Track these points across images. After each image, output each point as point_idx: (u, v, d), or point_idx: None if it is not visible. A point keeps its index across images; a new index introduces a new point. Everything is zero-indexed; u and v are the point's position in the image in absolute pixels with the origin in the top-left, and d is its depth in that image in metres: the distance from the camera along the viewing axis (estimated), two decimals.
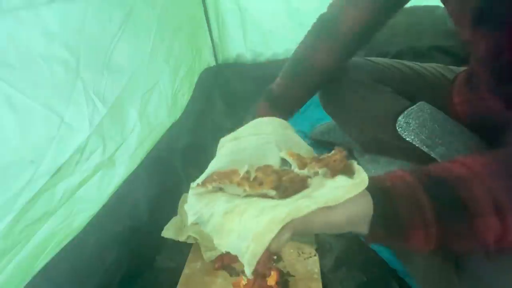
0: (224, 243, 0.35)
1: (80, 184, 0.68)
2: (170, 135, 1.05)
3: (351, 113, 0.87)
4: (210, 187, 0.40)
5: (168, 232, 0.86)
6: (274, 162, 0.45)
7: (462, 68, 0.82)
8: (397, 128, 0.75)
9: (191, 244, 0.86)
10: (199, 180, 0.42)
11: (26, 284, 0.58)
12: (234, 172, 0.40)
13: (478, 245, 0.38)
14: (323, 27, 0.74)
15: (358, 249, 0.80)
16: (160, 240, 0.87)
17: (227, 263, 0.79)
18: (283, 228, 0.32)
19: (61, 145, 0.62)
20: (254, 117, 0.68)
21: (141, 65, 0.88)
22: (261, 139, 0.51)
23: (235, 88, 1.54)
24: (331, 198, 0.35)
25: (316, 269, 0.75)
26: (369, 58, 0.88)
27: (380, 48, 1.34)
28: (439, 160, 0.72)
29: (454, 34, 1.26)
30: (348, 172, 0.39)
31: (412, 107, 0.75)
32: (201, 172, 0.91)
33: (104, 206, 0.75)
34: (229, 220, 0.35)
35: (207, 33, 1.50)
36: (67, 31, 0.63)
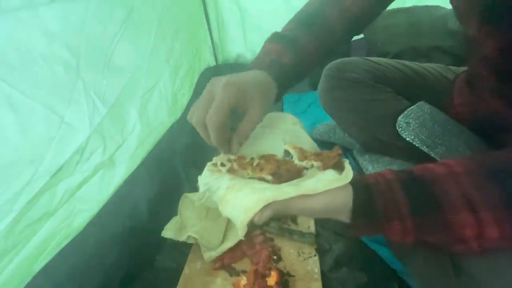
0: (225, 211, 0.43)
1: (81, 184, 0.68)
2: (170, 135, 1.05)
3: (351, 113, 0.87)
4: (219, 166, 0.49)
5: (168, 232, 0.86)
6: (278, 153, 0.53)
7: (462, 69, 0.82)
8: (397, 128, 0.75)
9: (191, 244, 0.86)
10: (215, 160, 0.51)
11: (27, 284, 0.58)
12: (241, 158, 0.51)
13: (457, 239, 0.41)
14: None
15: (358, 249, 0.80)
16: (160, 240, 0.87)
17: (227, 263, 0.79)
18: (265, 206, 0.40)
19: (61, 145, 0.62)
20: (264, 58, 0.63)
21: (142, 65, 0.88)
22: (269, 132, 0.59)
23: None
24: (311, 188, 0.41)
25: (316, 269, 0.75)
26: (369, 58, 0.88)
27: (380, 48, 1.34)
28: (439, 160, 0.72)
29: (454, 34, 1.26)
30: (339, 168, 0.46)
31: (412, 107, 0.75)
32: (201, 172, 0.91)
33: (104, 206, 0.75)
34: (229, 194, 0.43)
35: (207, 33, 1.50)
36: (68, 31, 0.63)
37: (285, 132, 0.59)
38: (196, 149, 1.14)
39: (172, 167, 1.04)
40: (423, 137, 0.73)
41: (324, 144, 1.14)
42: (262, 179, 0.46)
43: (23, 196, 0.55)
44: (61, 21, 0.61)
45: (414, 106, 0.75)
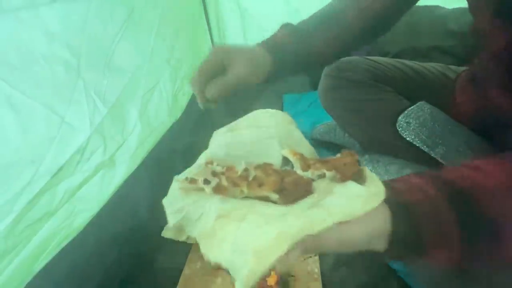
0: (214, 254, 0.29)
1: (81, 184, 0.68)
2: (171, 135, 1.05)
3: (352, 113, 0.86)
4: (201, 183, 0.34)
5: (168, 232, 0.86)
6: (275, 161, 0.40)
7: (463, 68, 0.81)
8: (398, 128, 0.75)
9: (191, 244, 0.86)
10: (187, 173, 0.36)
11: (27, 284, 0.58)
12: (231, 168, 0.35)
13: (506, 263, 0.36)
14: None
15: None
16: (160, 240, 0.86)
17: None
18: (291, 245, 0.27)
19: (61, 145, 0.62)
20: (269, 39, 0.63)
21: (142, 65, 0.88)
22: (261, 132, 0.46)
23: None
24: (347, 212, 0.30)
25: (316, 269, 0.75)
26: (369, 57, 0.88)
27: (380, 48, 1.34)
28: (439, 160, 0.72)
29: (454, 34, 1.26)
30: (359, 178, 0.35)
31: (412, 107, 0.75)
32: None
33: (104, 206, 0.75)
34: (223, 226, 0.29)
35: (207, 33, 1.50)
36: (68, 31, 0.63)
37: (280, 133, 0.46)
38: (196, 149, 1.14)
39: (172, 167, 1.03)
40: (424, 137, 0.73)
41: (324, 144, 1.14)
42: (264, 199, 0.33)
43: (23, 196, 0.55)
44: (62, 21, 0.61)
45: (415, 106, 0.75)
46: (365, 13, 0.67)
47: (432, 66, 0.86)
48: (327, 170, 0.35)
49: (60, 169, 0.62)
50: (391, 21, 0.71)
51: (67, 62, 0.63)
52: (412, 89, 0.82)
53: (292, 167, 0.39)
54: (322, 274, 0.74)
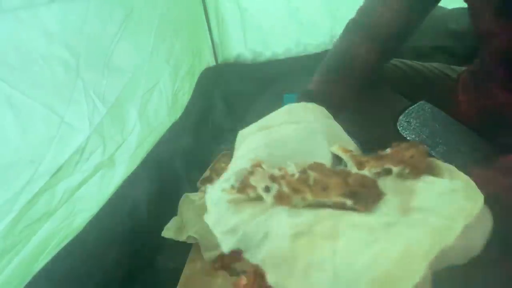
0: (299, 285, 0.22)
1: (80, 184, 0.68)
2: (170, 135, 1.05)
3: (351, 113, 0.86)
4: (261, 191, 0.28)
5: (168, 232, 0.86)
6: (324, 159, 0.34)
7: (464, 68, 0.81)
8: (398, 127, 0.75)
9: (191, 244, 0.86)
10: (232, 181, 0.29)
11: (26, 284, 0.58)
12: (286, 173, 0.29)
13: None
14: (358, 29, 0.69)
15: None
16: (160, 240, 0.87)
17: (227, 263, 0.79)
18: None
19: (61, 145, 0.62)
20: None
21: (142, 65, 0.87)
22: (303, 129, 0.39)
23: (235, 88, 1.54)
24: (466, 212, 0.24)
25: None
26: None
27: None
28: (440, 160, 0.72)
29: (454, 34, 1.26)
30: (430, 171, 0.30)
31: (413, 106, 0.75)
32: (201, 172, 0.90)
33: (104, 206, 0.75)
34: (308, 248, 0.23)
35: (207, 33, 1.50)
36: (67, 31, 0.63)
37: (323, 127, 0.40)
38: (196, 149, 1.14)
39: (172, 167, 1.04)
40: (424, 137, 0.73)
41: None
42: (338, 206, 0.26)
43: (22, 196, 0.55)
44: (61, 21, 0.61)
45: (415, 105, 0.75)
46: (378, 46, 0.67)
47: (433, 66, 0.86)
48: (393, 165, 0.30)
49: (60, 169, 0.62)
50: (408, 35, 0.71)
51: (66, 62, 0.62)
52: (412, 89, 0.82)
53: (344, 165, 0.34)
54: None
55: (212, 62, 1.56)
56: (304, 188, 0.27)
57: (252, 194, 0.28)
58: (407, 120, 0.75)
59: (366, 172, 0.31)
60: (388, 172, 0.30)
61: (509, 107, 0.63)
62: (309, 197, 0.27)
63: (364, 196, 0.26)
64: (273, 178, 0.28)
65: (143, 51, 0.89)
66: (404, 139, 0.74)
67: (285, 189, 0.27)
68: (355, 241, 0.22)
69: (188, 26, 1.25)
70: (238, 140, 0.43)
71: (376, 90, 0.82)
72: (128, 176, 0.83)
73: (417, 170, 0.29)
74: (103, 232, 0.75)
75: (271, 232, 0.25)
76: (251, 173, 0.29)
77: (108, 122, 0.73)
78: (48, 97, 0.59)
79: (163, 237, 0.86)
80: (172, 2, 1.06)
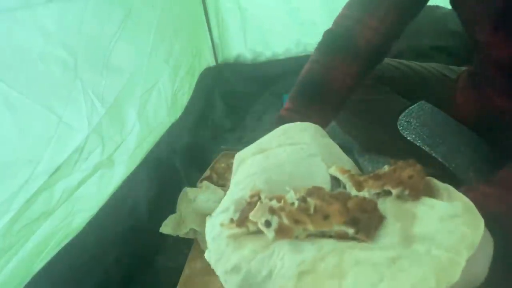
0: None
1: (79, 184, 0.68)
2: (170, 135, 1.05)
3: (351, 113, 0.86)
4: (262, 226, 0.26)
5: (166, 228, 0.86)
6: (323, 182, 0.33)
7: (463, 68, 0.81)
8: (398, 127, 0.75)
9: (191, 244, 0.86)
10: (229, 214, 0.29)
11: (26, 284, 0.58)
12: (286, 202, 0.28)
13: None
14: (337, 44, 0.64)
15: None
16: (160, 240, 0.87)
17: None
18: None
19: (59, 145, 0.62)
20: None
21: (141, 65, 0.87)
22: (300, 151, 0.39)
23: (235, 88, 1.54)
24: (467, 241, 0.24)
25: None
26: None
27: None
28: (440, 160, 0.71)
29: (454, 34, 1.26)
30: (429, 192, 0.30)
31: (413, 106, 0.75)
32: (201, 172, 0.90)
33: (103, 206, 0.75)
34: (313, 286, 0.22)
35: (207, 33, 1.50)
36: (65, 31, 0.63)
37: (320, 147, 0.40)
38: (196, 149, 1.14)
39: (172, 167, 1.03)
40: (424, 137, 0.73)
41: None
42: (342, 236, 0.26)
43: (21, 196, 0.55)
44: (59, 21, 0.61)
45: (415, 105, 0.75)
46: (359, 58, 0.62)
47: (432, 67, 0.86)
48: (392, 187, 0.29)
49: (58, 168, 0.62)
50: (392, 43, 0.68)
51: (65, 62, 0.62)
52: (411, 90, 0.82)
53: (343, 187, 0.34)
54: None
55: (212, 62, 1.56)
56: (305, 219, 0.26)
57: (252, 227, 0.27)
58: (407, 120, 0.75)
59: (365, 193, 0.30)
60: (387, 193, 0.30)
61: (506, 112, 0.63)
62: (311, 227, 0.26)
63: (365, 223, 0.26)
64: (272, 211, 0.27)
65: (142, 51, 0.89)
66: (404, 139, 0.74)
67: (286, 221, 0.26)
68: (361, 281, 0.21)
69: (188, 26, 1.25)
70: (235, 162, 0.42)
71: (376, 90, 0.82)
72: (128, 176, 0.83)
73: (416, 191, 0.29)
74: (103, 232, 0.75)
75: (274, 270, 0.24)
76: (250, 204, 0.29)
77: (107, 122, 0.73)
78: (47, 97, 0.59)
79: (163, 237, 0.86)
80: (171, 2, 1.06)
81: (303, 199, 0.28)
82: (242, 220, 0.27)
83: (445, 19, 1.28)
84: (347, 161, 0.41)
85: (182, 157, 1.08)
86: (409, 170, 0.30)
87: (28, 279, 0.59)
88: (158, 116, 0.99)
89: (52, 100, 0.60)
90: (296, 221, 0.26)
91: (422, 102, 0.76)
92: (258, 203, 0.28)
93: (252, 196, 0.30)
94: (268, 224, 0.26)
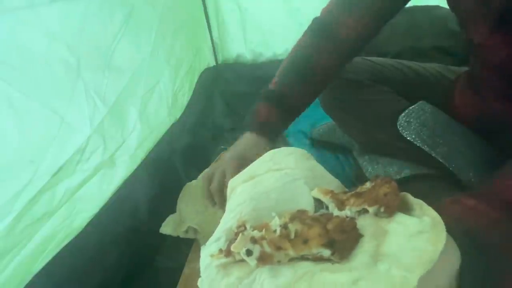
0: None
1: (81, 184, 0.68)
2: (170, 135, 1.05)
3: (351, 113, 0.87)
4: (244, 256, 0.29)
5: (166, 228, 0.86)
6: (306, 204, 0.36)
7: (463, 69, 0.81)
8: (398, 127, 0.75)
9: (191, 244, 0.86)
10: (219, 244, 0.32)
11: (27, 284, 0.58)
12: (268, 229, 0.30)
13: None
14: (321, 30, 0.72)
15: None
16: (160, 240, 0.87)
17: None
18: None
19: (61, 145, 0.62)
20: (254, 120, 0.69)
21: (142, 65, 0.88)
22: (285, 176, 0.42)
23: (235, 88, 1.54)
24: (425, 258, 0.26)
25: None
26: (368, 58, 0.88)
27: (379, 48, 1.34)
28: (440, 160, 0.72)
29: (454, 34, 1.26)
30: (404, 207, 0.32)
31: (413, 106, 0.75)
32: (201, 172, 0.90)
33: (104, 206, 0.75)
34: None
35: (207, 33, 1.50)
36: (68, 31, 0.63)
37: (303, 173, 0.42)
38: (196, 149, 1.14)
39: (172, 167, 1.04)
40: (424, 137, 0.73)
41: (324, 144, 1.14)
42: (318, 259, 0.29)
43: (23, 196, 0.55)
44: (61, 21, 0.61)
45: (415, 105, 0.75)
46: (340, 53, 0.71)
47: (432, 67, 0.86)
48: (369, 205, 0.32)
49: (60, 169, 0.62)
50: (362, 48, 0.74)
51: (67, 62, 0.63)
52: (411, 90, 0.82)
53: (326, 207, 0.36)
54: None
55: (212, 62, 1.56)
56: (285, 245, 0.29)
57: (237, 256, 0.29)
58: (407, 120, 0.75)
59: (347, 211, 0.33)
60: (362, 211, 0.32)
61: (504, 114, 0.63)
62: (291, 252, 0.29)
63: (341, 245, 0.29)
64: (254, 241, 0.29)
65: (143, 51, 0.89)
66: (404, 139, 0.74)
67: (268, 249, 0.29)
68: None
69: (188, 26, 1.25)
70: (228, 189, 0.46)
71: (376, 90, 0.82)
72: (129, 176, 0.83)
73: (391, 208, 0.31)
74: (104, 232, 0.75)
75: None
76: (236, 234, 0.31)
77: (108, 122, 0.73)
78: (49, 97, 0.59)
79: (163, 237, 0.86)
80: (172, 2, 1.06)
81: (284, 226, 0.30)
82: (229, 250, 0.30)
83: (445, 19, 1.28)
84: (331, 181, 0.43)
85: (182, 157, 1.08)
86: (385, 187, 0.32)
87: (28, 279, 0.59)
88: (158, 116, 0.99)
89: (54, 101, 0.60)
90: (278, 248, 0.29)
91: (422, 102, 0.76)
92: (240, 234, 0.30)
93: (238, 227, 0.33)
94: (249, 253, 0.29)
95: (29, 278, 0.59)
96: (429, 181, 0.75)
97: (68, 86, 0.64)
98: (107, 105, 0.72)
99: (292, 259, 0.29)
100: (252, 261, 0.29)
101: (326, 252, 0.28)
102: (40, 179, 0.58)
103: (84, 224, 0.71)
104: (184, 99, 1.20)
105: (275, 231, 0.30)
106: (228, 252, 0.30)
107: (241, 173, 0.45)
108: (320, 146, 1.14)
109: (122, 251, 0.78)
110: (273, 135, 0.71)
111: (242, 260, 0.30)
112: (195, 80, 1.34)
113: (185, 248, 0.86)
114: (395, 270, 0.26)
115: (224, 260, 0.30)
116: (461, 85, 0.77)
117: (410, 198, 0.33)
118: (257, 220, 0.33)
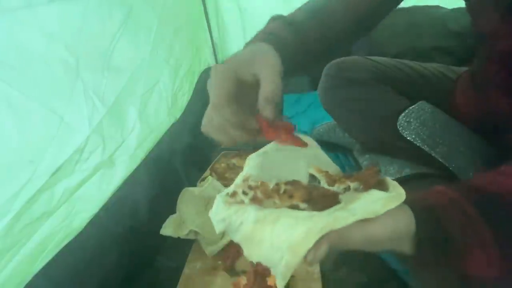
0: (255, 254, 0.34)
1: (80, 184, 0.68)
2: (170, 135, 1.05)
3: (352, 113, 0.86)
4: (240, 197, 0.38)
5: (166, 229, 0.86)
6: (303, 178, 0.43)
7: (464, 68, 0.81)
8: (398, 127, 0.75)
9: (191, 244, 0.86)
10: (230, 190, 0.40)
11: (26, 284, 0.58)
12: (264, 185, 0.39)
13: None
14: None
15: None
16: (160, 240, 0.87)
17: (229, 264, 0.79)
18: (320, 240, 0.30)
19: (60, 145, 0.62)
20: (258, 34, 0.58)
21: (141, 65, 0.88)
22: (289, 155, 0.49)
23: None
24: (369, 210, 0.33)
25: (316, 269, 0.75)
26: (370, 57, 0.88)
27: (380, 48, 1.34)
28: (439, 160, 0.72)
29: (454, 34, 1.26)
30: (382, 188, 0.38)
31: (413, 106, 0.75)
32: (201, 172, 0.91)
33: (104, 206, 0.75)
34: (260, 229, 0.33)
35: (207, 33, 1.50)
36: (67, 31, 0.63)
37: (306, 155, 0.49)
38: (196, 149, 1.14)
39: (172, 167, 1.04)
40: (424, 137, 0.73)
41: (324, 144, 1.14)
42: (294, 208, 0.36)
43: (22, 196, 0.55)
44: (60, 21, 0.61)
45: (415, 105, 0.75)
46: (351, 13, 0.63)
47: (433, 67, 0.86)
48: (351, 182, 0.39)
49: (59, 168, 0.62)
50: (374, 22, 0.67)
51: (66, 62, 0.63)
52: (412, 90, 0.82)
53: (320, 184, 0.42)
54: (322, 274, 0.74)
55: (212, 62, 1.56)
56: (274, 195, 0.37)
57: (238, 199, 0.38)
58: (407, 119, 0.75)
59: (335, 187, 0.40)
60: (348, 189, 0.39)
61: (507, 111, 0.63)
62: (277, 201, 0.37)
63: (317, 202, 0.35)
64: (250, 187, 0.39)
65: (142, 51, 0.89)
66: (404, 139, 0.74)
67: (259, 195, 0.38)
68: (285, 224, 0.32)
69: (187, 26, 1.25)
70: (246, 162, 0.50)
71: (376, 90, 0.82)
72: (128, 176, 0.83)
73: (368, 185, 0.38)
74: (103, 232, 0.75)
75: (244, 221, 0.35)
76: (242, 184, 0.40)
77: (107, 122, 0.73)
78: (48, 97, 0.59)
79: (163, 237, 0.86)
80: (172, 2, 1.06)
81: (277, 184, 0.38)
82: (233, 193, 0.39)
83: (445, 19, 1.28)
84: (332, 167, 0.48)
85: (182, 157, 1.08)
86: (369, 171, 0.40)
87: (28, 278, 0.59)
88: (158, 116, 0.99)
89: (53, 100, 0.60)
90: (268, 196, 0.37)
91: (422, 102, 0.76)
92: (242, 181, 0.40)
93: (244, 180, 0.41)
94: (245, 193, 0.38)
95: (29, 278, 0.59)
96: (429, 180, 0.75)
97: (67, 86, 0.64)
98: (106, 105, 0.72)
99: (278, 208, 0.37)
100: (246, 199, 0.38)
101: (303, 205, 0.35)
102: (39, 178, 0.58)
103: (84, 224, 0.71)
104: (184, 99, 1.20)
105: (268, 185, 0.38)
106: (232, 195, 0.39)
107: (259, 150, 0.51)
108: (321, 146, 1.14)
109: (122, 251, 0.78)
110: (284, 52, 0.49)
111: (241, 203, 0.38)
112: (195, 80, 1.34)
113: (185, 248, 0.86)
114: (341, 212, 0.33)
115: (229, 200, 0.39)
116: (463, 85, 0.77)
117: (388, 180, 0.39)
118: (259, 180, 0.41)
